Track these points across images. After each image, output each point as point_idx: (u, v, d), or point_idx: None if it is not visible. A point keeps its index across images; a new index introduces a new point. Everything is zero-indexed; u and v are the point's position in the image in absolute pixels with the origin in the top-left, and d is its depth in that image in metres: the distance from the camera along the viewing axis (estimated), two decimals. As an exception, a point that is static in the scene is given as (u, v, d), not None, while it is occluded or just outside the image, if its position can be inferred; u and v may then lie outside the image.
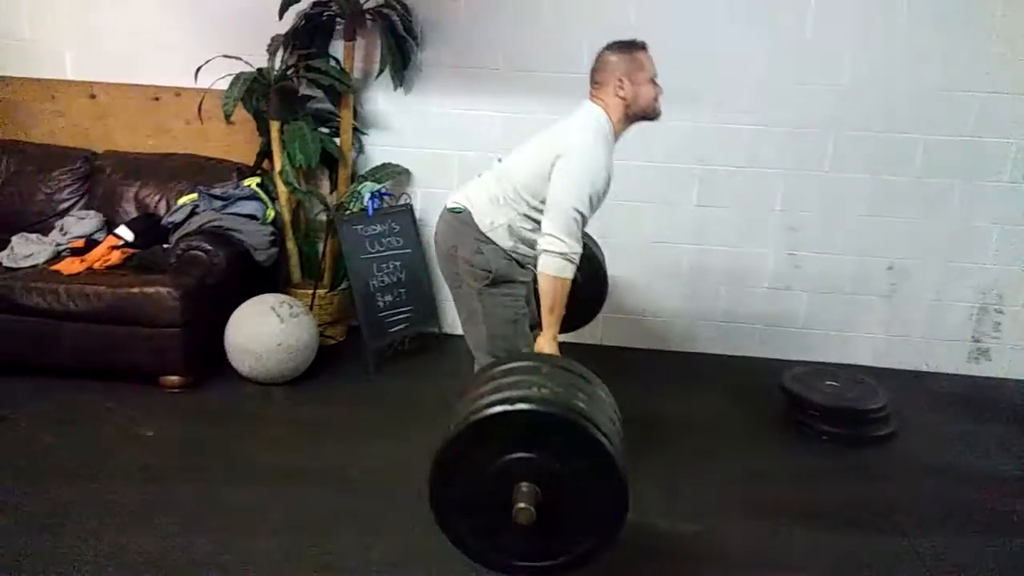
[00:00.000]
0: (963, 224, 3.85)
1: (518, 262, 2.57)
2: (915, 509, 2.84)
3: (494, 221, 2.52)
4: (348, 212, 3.83)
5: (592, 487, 1.78)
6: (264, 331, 3.41)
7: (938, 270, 3.92)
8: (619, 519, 1.82)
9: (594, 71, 2.57)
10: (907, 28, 3.65)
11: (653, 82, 2.54)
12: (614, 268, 3.77)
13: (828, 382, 3.47)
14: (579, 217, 2.39)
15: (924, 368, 4.05)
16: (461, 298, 2.66)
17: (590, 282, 3.14)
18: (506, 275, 2.54)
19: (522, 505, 1.71)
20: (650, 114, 2.57)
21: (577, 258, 2.42)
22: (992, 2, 3.57)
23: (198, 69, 3.60)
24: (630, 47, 2.53)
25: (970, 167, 3.78)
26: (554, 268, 2.39)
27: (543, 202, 2.46)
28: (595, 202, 2.45)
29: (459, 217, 2.59)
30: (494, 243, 2.53)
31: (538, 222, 2.48)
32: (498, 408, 1.76)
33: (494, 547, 1.87)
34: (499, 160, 2.67)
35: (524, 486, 1.75)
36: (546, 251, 2.39)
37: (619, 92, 2.50)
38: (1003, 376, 4.00)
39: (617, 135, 2.57)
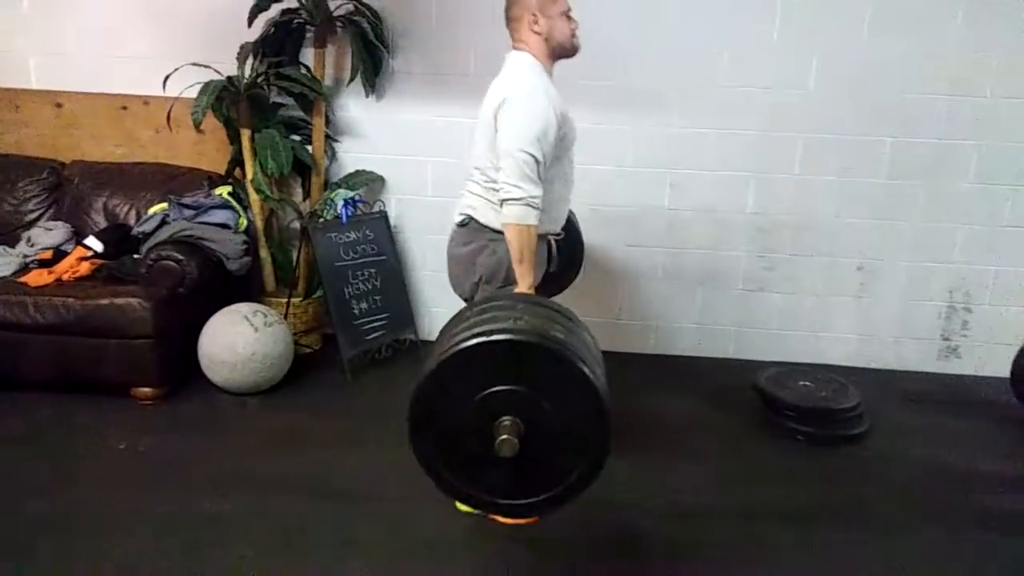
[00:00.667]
0: (930, 224, 3.92)
1: None
2: (888, 506, 2.88)
3: (495, 209, 2.49)
4: (321, 220, 3.81)
5: (575, 419, 1.75)
6: (238, 341, 3.38)
7: (907, 270, 3.99)
8: (602, 450, 1.81)
9: (507, 9, 2.57)
10: (872, 32, 3.70)
11: (568, 16, 2.54)
12: (588, 272, 3.80)
13: (801, 382, 3.51)
14: (530, 159, 2.35)
15: (895, 367, 4.11)
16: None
17: (566, 243, 3.09)
18: (511, 277, 2.52)
19: (504, 436, 1.68)
20: (568, 50, 2.55)
21: (538, 202, 2.37)
22: (953, 5, 3.64)
23: (166, 77, 3.57)
24: None
25: (936, 168, 3.84)
26: (515, 216, 2.36)
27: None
28: (546, 142, 2.39)
29: (468, 228, 2.58)
30: (504, 238, 2.49)
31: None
32: (477, 340, 1.72)
33: (478, 484, 1.84)
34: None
35: (506, 419, 1.72)
36: (504, 200, 2.37)
37: (534, 27, 2.50)
38: (972, 373, 4.07)
39: (550, 67, 2.54)
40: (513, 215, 2.36)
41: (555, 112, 2.42)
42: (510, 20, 2.56)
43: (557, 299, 2.31)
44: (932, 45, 3.70)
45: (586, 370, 1.73)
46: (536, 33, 2.50)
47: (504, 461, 1.71)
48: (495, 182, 2.46)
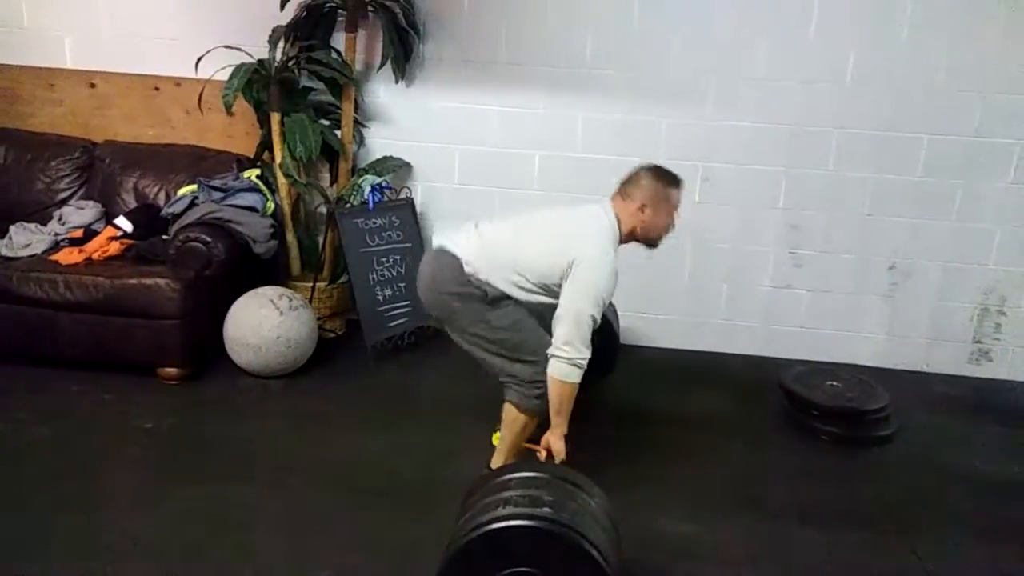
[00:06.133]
0: (966, 224, 3.84)
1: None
2: (915, 510, 2.84)
3: (482, 278, 2.54)
4: (348, 205, 3.81)
5: None
6: (263, 324, 3.39)
7: (940, 271, 3.91)
8: None
9: (627, 182, 2.65)
10: (911, 27, 3.63)
11: (672, 214, 2.64)
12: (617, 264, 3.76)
13: (829, 382, 3.46)
14: (592, 321, 2.47)
15: (925, 368, 4.04)
16: (458, 325, 2.62)
17: (601, 345, 3.17)
18: (501, 294, 2.57)
19: None
20: (653, 242, 2.67)
21: (585, 363, 2.48)
22: (996, 3, 3.55)
23: (199, 59, 3.58)
24: (668, 181, 2.63)
25: (973, 167, 3.76)
26: (562, 373, 2.46)
27: (548, 285, 2.54)
28: (605, 303, 2.53)
29: (447, 257, 2.59)
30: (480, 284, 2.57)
31: (530, 292, 2.56)
32: (498, 524, 1.86)
33: None
34: (484, 223, 2.68)
35: None
36: (556, 356, 2.45)
37: (639, 214, 2.59)
38: (1004, 377, 3.99)
39: (621, 243, 2.63)
40: (561, 372, 2.46)
41: (616, 279, 2.56)
42: (623, 193, 2.63)
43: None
44: (972, 41, 3.61)
45: (601, 562, 1.83)
46: (638, 217, 2.59)
47: None
48: (519, 277, 2.55)
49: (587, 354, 2.47)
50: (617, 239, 2.59)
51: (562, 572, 1.85)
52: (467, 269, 2.54)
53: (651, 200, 2.58)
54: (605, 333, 3.27)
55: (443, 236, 2.67)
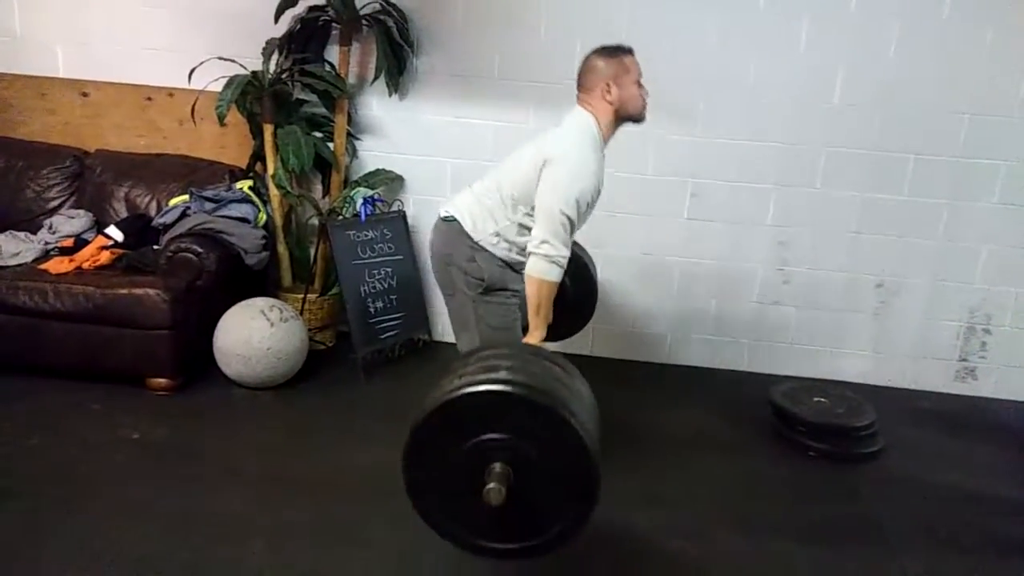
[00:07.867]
0: (952, 244, 3.88)
1: (512, 267, 2.61)
2: (901, 527, 2.85)
3: (486, 229, 2.57)
4: (340, 217, 3.82)
5: (564, 472, 1.79)
6: (253, 335, 3.39)
7: (927, 289, 3.95)
8: (589, 505, 1.83)
9: (581, 75, 2.60)
10: (899, 48, 3.67)
11: (639, 84, 2.59)
12: (605, 279, 3.79)
13: (816, 398, 3.48)
14: (567, 221, 2.43)
15: (912, 386, 4.07)
16: (454, 305, 2.69)
17: (580, 292, 3.18)
18: (499, 282, 2.59)
19: (492, 485, 1.72)
20: (636, 116, 2.61)
21: (564, 262, 2.46)
22: (983, 24, 3.60)
23: (192, 70, 3.59)
24: (616, 51, 2.58)
25: (960, 187, 3.80)
26: (540, 270, 2.43)
27: (533, 209, 2.50)
28: (583, 207, 2.48)
29: (452, 226, 2.63)
30: (487, 250, 2.58)
31: (530, 229, 2.52)
32: (472, 388, 1.78)
33: (465, 527, 1.88)
34: (477, 181, 2.72)
35: (497, 466, 1.76)
36: (534, 254, 2.44)
37: (606, 96, 2.54)
38: (990, 396, 4.02)
39: (606, 139, 2.61)
40: (539, 269, 2.44)
41: (596, 183, 2.52)
42: (582, 87, 2.60)
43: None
44: (959, 63, 3.66)
45: (578, 427, 1.75)
46: (607, 102, 2.55)
47: (493, 508, 1.73)
48: (508, 209, 2.55)
49: (565, 252, 2.44)
50: (599, 138, 2.56)
51: (532, 429, 1.76)
52: (475, 236, 2.57)
53: (610, 76, 2.53)
54: (583, 280, 3.23)
55: (444, 205, 2.71)
